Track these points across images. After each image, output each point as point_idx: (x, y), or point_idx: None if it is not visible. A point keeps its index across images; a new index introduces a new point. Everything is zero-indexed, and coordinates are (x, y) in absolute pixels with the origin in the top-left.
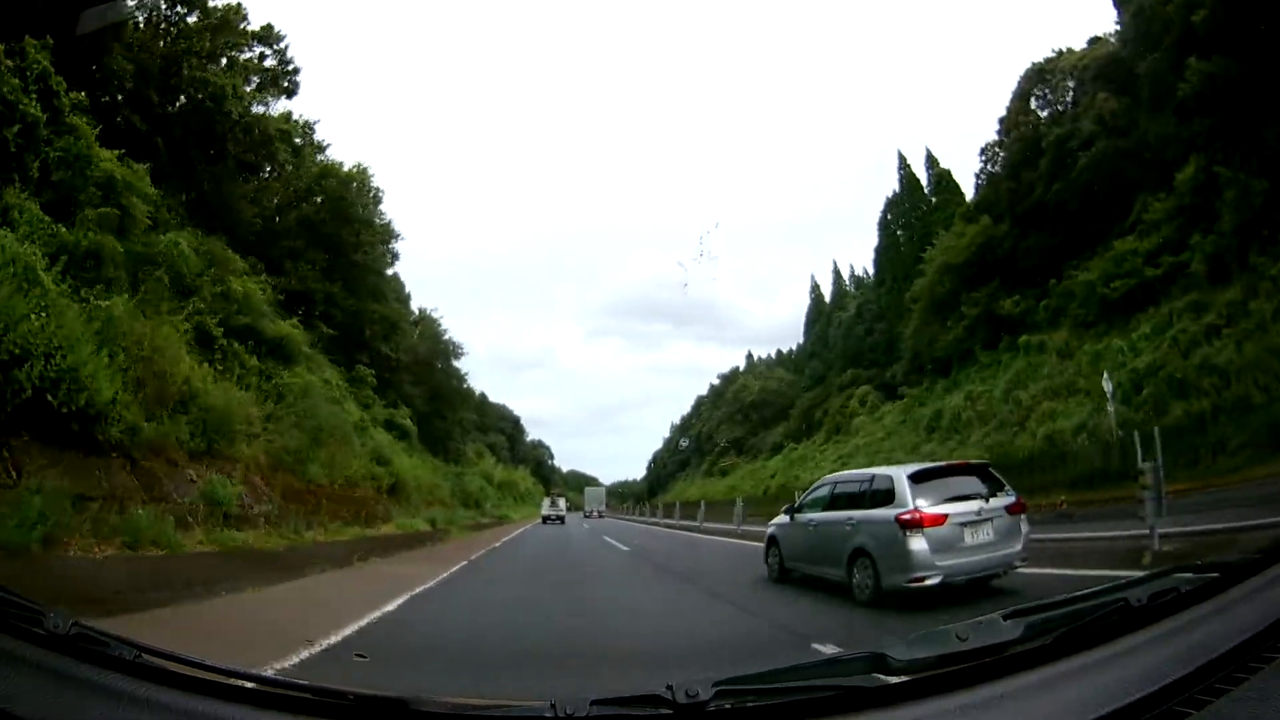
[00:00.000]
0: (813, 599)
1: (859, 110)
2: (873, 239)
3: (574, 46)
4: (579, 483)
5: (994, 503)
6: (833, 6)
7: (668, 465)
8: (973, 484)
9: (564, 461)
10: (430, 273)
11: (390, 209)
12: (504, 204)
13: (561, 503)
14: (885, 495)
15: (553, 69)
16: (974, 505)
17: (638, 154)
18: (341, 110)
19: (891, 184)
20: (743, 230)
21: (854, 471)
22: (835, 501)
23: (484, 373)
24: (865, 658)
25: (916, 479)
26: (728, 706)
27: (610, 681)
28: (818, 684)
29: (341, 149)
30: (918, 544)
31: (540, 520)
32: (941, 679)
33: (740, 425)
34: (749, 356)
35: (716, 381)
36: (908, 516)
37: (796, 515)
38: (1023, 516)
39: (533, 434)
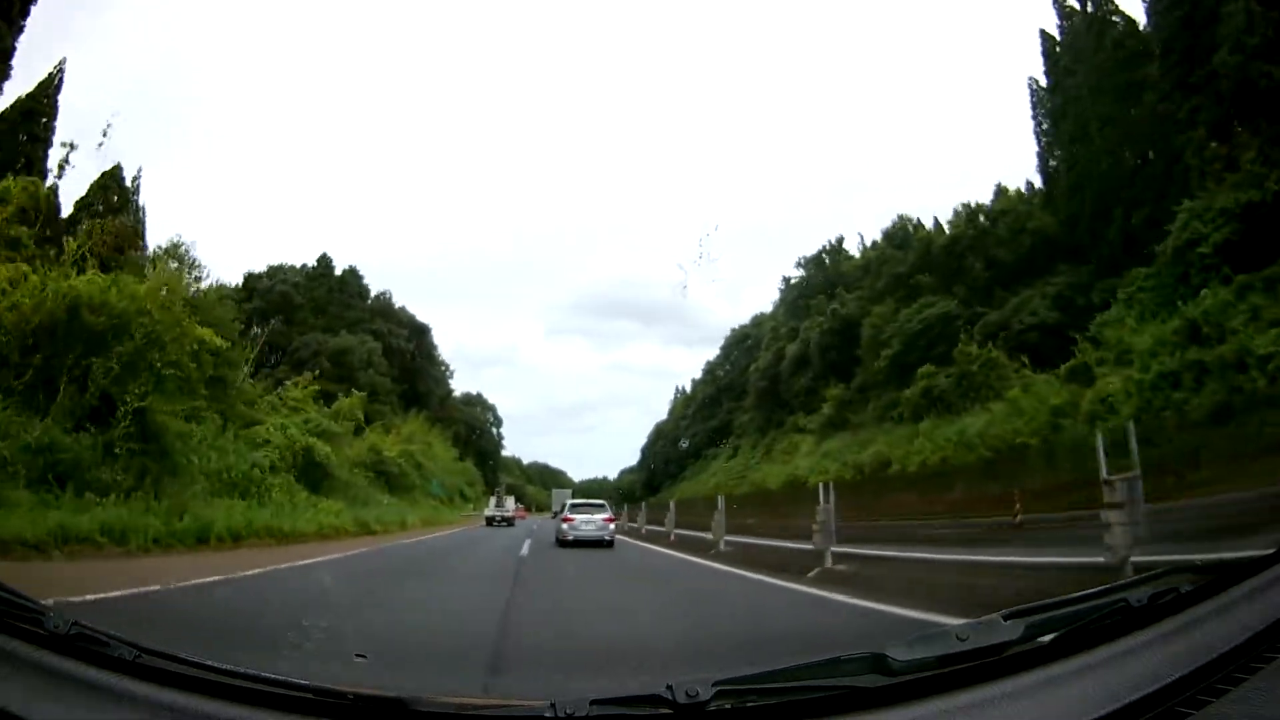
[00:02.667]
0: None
1: (830, 114)
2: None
3: (555, 45)
4: (542, 477)
5: (596, 516)
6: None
7: (681, 445)
8: (591, 507)
9: (527, 456)
10: (401, 263)
11: (363, 199)
12: (473, 199)
13: (510, 502)
14: (564, 509)
15: (528, 67)
16: (586, 515)
17: (607, 151)
18: (322, 100)
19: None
20: (714, 232)
21: (570, 500)
22: (560, 510)
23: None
24: (865, 658)
25: (572, 506)
26: (728, 707)
27: None
28: (818, 684)
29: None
30: (564, 526)
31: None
32: (941, 679)
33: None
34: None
35: (780, 288)
36: (563, 516)
37: (558, 514)
38: (612, 524)
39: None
